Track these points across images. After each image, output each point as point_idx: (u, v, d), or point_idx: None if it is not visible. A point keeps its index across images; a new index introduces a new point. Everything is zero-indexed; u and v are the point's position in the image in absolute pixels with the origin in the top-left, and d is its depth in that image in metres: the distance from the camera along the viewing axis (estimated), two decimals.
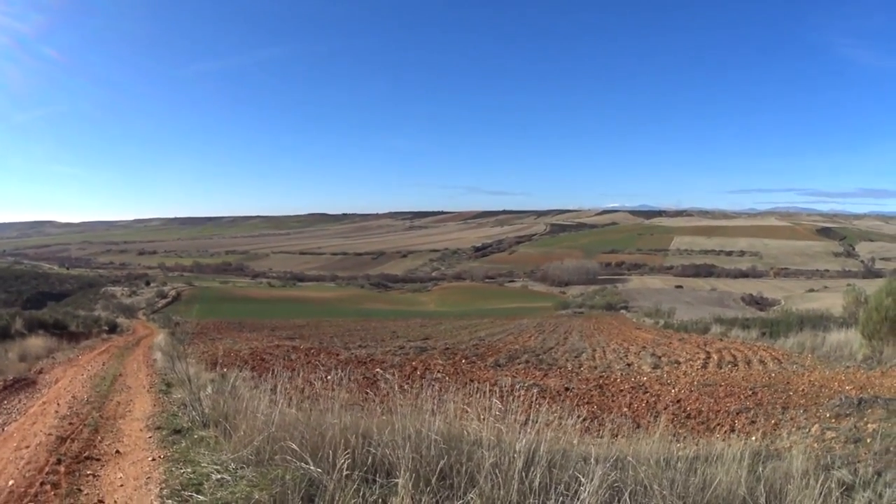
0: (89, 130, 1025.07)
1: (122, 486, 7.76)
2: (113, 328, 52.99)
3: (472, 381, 14.25)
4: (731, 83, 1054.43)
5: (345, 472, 6.39)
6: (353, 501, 6.06)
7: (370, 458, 7.04)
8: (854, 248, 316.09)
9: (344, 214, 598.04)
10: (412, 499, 5.77)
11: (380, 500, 6.02)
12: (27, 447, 9.64)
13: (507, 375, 22.96)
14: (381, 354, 33.71)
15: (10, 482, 7.66)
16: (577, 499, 5.69)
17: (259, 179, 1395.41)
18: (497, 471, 6.25)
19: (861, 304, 39.53)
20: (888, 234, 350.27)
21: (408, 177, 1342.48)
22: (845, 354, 30.51)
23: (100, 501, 7.18)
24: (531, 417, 7.22)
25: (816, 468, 8.00)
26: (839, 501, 6.48)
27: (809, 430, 14.21)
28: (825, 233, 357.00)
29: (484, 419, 7.40)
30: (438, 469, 6.49)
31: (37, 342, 31.47)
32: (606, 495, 5.98)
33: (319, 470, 6.61)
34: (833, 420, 15.11)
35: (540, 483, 6.12)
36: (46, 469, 8.33)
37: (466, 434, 7.17)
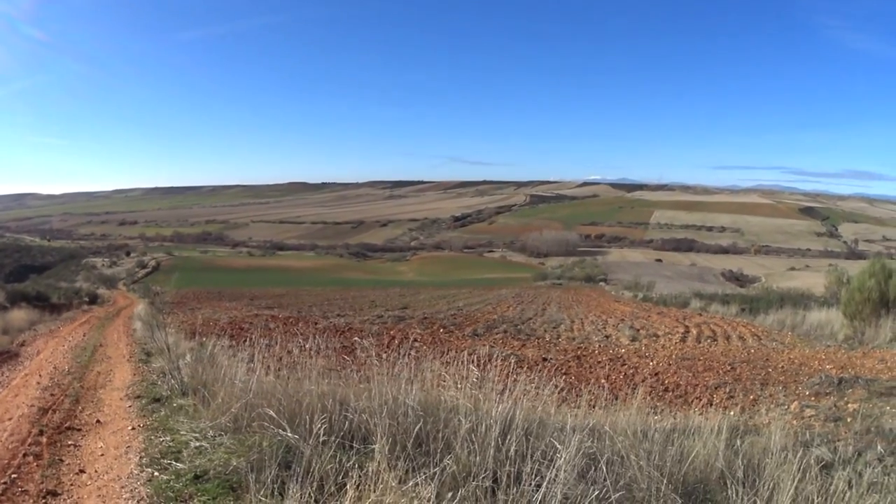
0: (70, 102, 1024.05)
1: (102, 455, 7.79)
2: (94, 299, 53.11)
3: (449, 349, 14.26)
4: (717, 58, 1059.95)
5: (321, 438, 6.40)
6: (329, 467, 6.07)
7: (347, 424, 7.05)
8: (837, 229, 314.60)
9: (323, 184, 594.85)
10: (388, 464, 5.78)
11: (356, 465, 6.02)
12: (10, 419, 9.67)
13: (484, 345, 22.95)
14: (359, 323, 33.71)
15: None
16: (553, 466, 5.70)
17: (239, 148, 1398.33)
18: (473, 438, 6.27)
19: (843, 284, 39.77)
20: (873, 217, 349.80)
21: (388, 146, 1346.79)
22: (826, 334, 30.70)
23: (81, 471, 7.19)
24: (508, 386, 7.24)
25: (795, 445, 8.03)
26: (818, 478, 6.48)
27: (788, 407, 14.31)
28: (808, 212, 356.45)
29: (461, 387, 7.41)
30: (415, 435, 6.51)
31: (19, 315, 31.52)
32: (583, 464, 5.99)
33: (296, 436, 6.61)
34: (813, 398, 15.20)
35: (516, 450, 6.14)
36: (29, 440, 8.37)
37: (443, 401, 7.17)
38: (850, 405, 13.73)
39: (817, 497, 6.12)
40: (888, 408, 13.18)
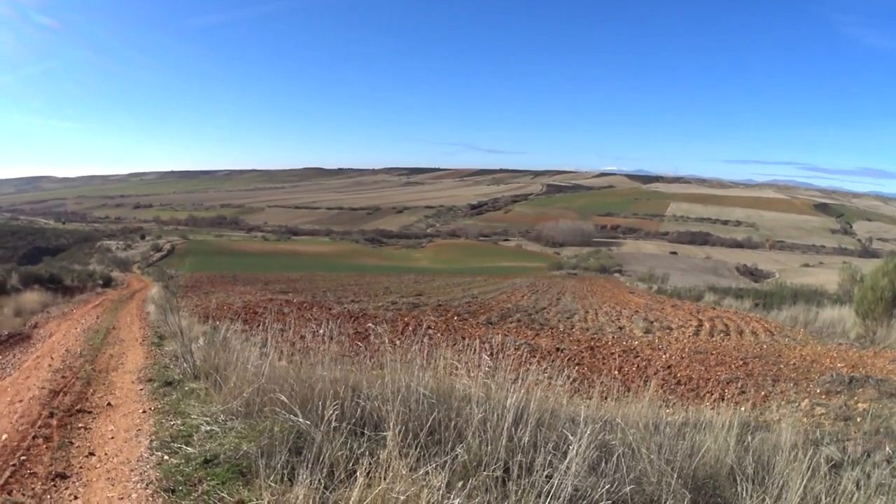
0: (84, 87, 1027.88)
1: (112, 438, 7.79)
2: (107, 282, 53.34)
3: (463, 337, 14.26)
4: (735, 53, 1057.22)
5: (333, 425, 6.40)
6: (340, 453, 6.06)
7: (359, 410, 7.06)
8: (851, 227, 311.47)
9: (340, 169, 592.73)
10: (400, 452, 5.76)
11: (367, 452, 6.01)
12: (20, 401, 9.68)
13: (498, 333, 22.85)
14: (373, 309, 33.62)
15: (4, 436, 7.66)
16: (566, 458, 5.69)
17: (255, 134, 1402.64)
18: (485, 427, 6.26)
19: (856, 282, 39.38)
20: (887, 215, 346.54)
21: (405, 132, 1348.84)
22: (838, 332, 30.54)
23: (91, 454, 7.19)
24: (521, 376, 7.22)
25: (805, 443, 8.03)
26: (827, 478, 6.48)
27: (799, 405, 14.26)
28: (823, 208, 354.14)
29: (473, 376, 7.41)
30: (427, 424, 6.50)
31: (32, 297, 31.66)
32: (594, 456, 5.98)
33: (308, 422, 6.61)
34: (823, 396, 15.15)
35: (528, 441, 6.13)
36: (39, 423, 8.36)
37: (456, 390, 7.18)
38: (860, 405, 13.68)
39: (825, 497, 6.12)
40: None
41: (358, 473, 5.51)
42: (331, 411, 6.50)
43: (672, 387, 17.03)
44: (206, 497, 5.87)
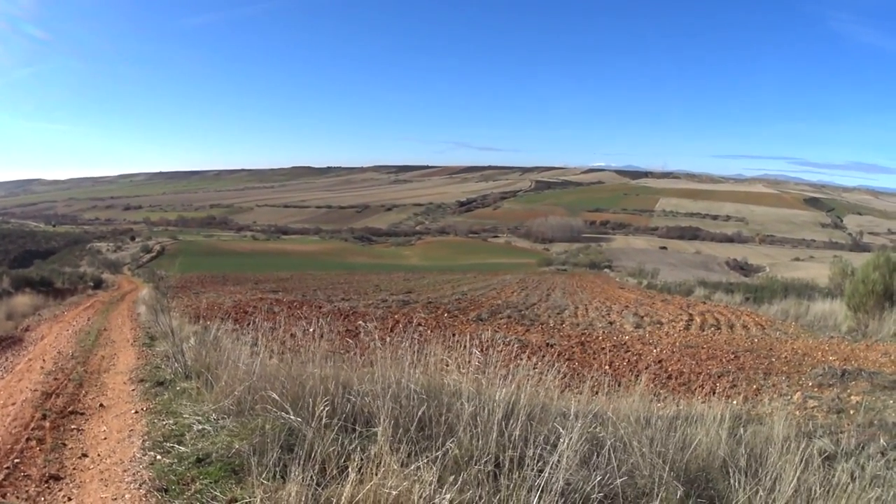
0: (74, 90, 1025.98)
1: (105, 439, 7.82)
2: (98, 284, 53.27)
3: (453, 334, 14.27)
4: (723, 47, 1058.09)
5: (324, 421, 6.42)
6: (331, 450, 6.09)
7: (350, 407, 7.07)
8: (842, 221, 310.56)
9: (328, 167, 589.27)
10: (391, 447, 5.78)
11: (359, 448, 6.02)
12: (13, 404, 9.70)
13: (488, 329, 22.86)
14: (363, 307, 33.59)
15: None
16: (556, 451, 5.70)
17: (244, 133, 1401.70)
18: (476, 422, 6.28)
19: (847, 276, 39.47)
20: (877, 209, 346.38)
21: (394, 131, 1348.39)
22: (830, 325, 30.65)
23: (84, 455, 7.22)
24: (511, 371, 7.24)
25: (798, 435, 8.02)
26: (820, 470, 6.46)
27: (791, 398, 14.31)
28: (813, 203, 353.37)
29: (464, 371, 7.42)
30: (417, 419, 6.52)
31: (23, 300, 31.73)
32: (585, 449, 6.00)
33: (299, 419, 6.64)
34: (816, 389, 15.21)
35: (519, 435, 6.14)
36: (32, 425, 8.39)
37: (446, 385, 7.20)
38: (853, 397, 13.76)
39: (819, 489, 6.10)
40: (891, 401, 13.19)
41: (350, 469, 5.54)
42: (322, 408, 6.52)
43: (663, 381, 17.04)
44: (198, 496, 5.89)
